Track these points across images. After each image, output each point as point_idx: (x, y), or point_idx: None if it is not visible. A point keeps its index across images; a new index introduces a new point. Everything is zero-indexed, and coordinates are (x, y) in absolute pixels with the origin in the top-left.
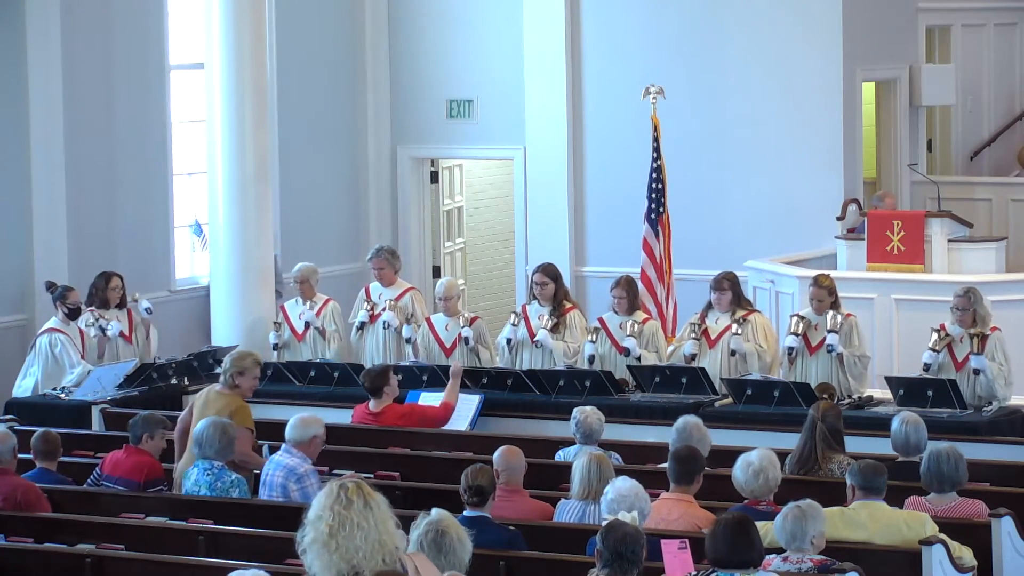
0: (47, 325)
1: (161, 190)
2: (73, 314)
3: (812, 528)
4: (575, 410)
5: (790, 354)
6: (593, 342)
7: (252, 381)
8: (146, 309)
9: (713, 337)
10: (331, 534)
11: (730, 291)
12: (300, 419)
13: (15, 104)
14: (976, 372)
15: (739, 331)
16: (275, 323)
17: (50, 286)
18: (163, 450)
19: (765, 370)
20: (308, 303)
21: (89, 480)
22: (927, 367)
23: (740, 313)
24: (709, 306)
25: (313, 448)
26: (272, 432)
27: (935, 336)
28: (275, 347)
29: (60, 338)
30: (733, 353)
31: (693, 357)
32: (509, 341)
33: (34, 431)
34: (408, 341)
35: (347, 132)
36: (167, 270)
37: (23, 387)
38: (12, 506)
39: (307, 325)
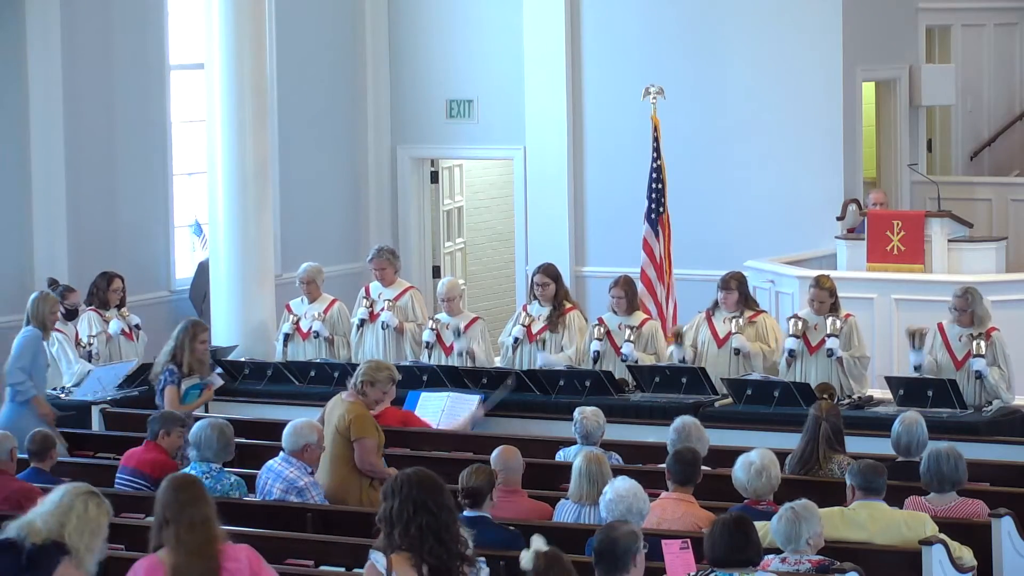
0: None
1: (161, 190)
2: (70, 315)
3: (807, 530)
4: (576, 410)
5: (791, 355)
6: (599, 339)
7: (380, 394)
8: (136, 325)
9: (722, 336)
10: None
11: (737, 291)
12: (294, 427)
13: (15, 104)
14: (978, 376)
15: (739, 330)
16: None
17: (52, 283)
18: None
19: (770, 370)
20: (314, 306)
21: (117, 479)
22: (918, 368)
23: (747, 314)
24: (715, 305)
25: (310, 456)
26: (272, 432)
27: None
28: (286, 337)
29: (58, 336)
30: (737, 352)
31: (683, 361)
32: (517, 341)
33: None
34: (427, 345)
35: (347, 132)
36: (167, 270)
37: None
38: (12, 507)
39: (312, 332)
